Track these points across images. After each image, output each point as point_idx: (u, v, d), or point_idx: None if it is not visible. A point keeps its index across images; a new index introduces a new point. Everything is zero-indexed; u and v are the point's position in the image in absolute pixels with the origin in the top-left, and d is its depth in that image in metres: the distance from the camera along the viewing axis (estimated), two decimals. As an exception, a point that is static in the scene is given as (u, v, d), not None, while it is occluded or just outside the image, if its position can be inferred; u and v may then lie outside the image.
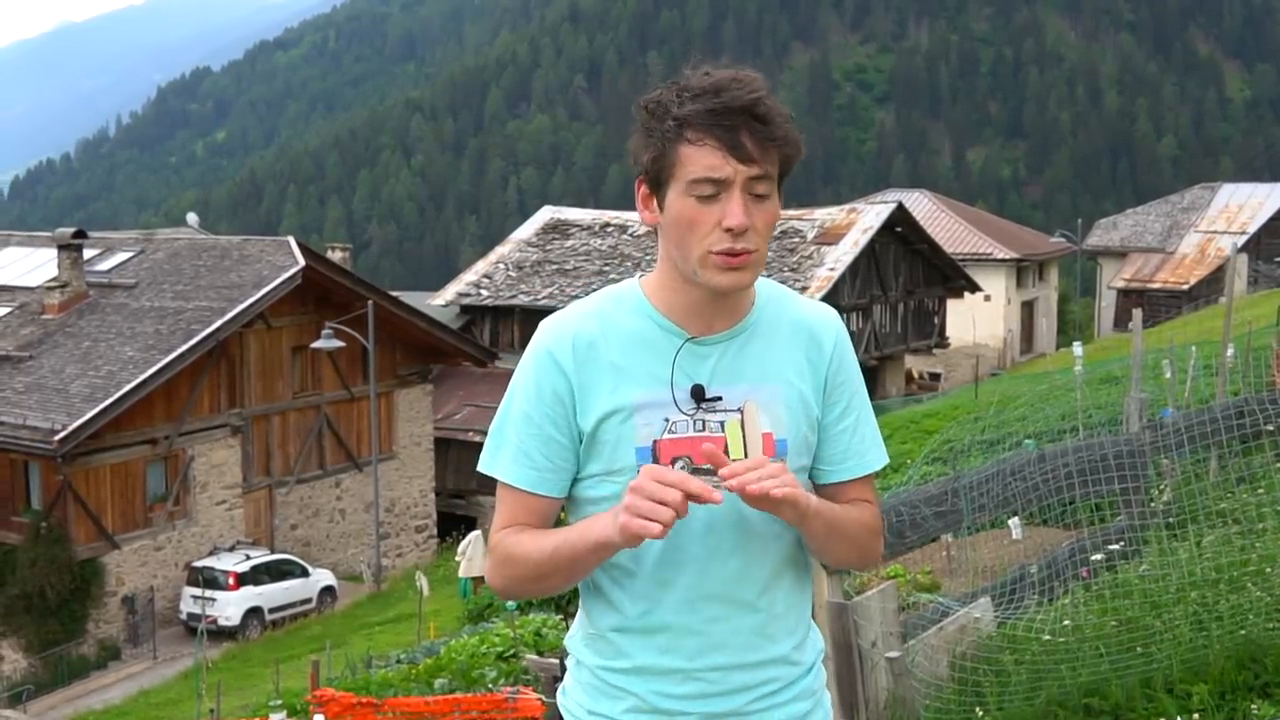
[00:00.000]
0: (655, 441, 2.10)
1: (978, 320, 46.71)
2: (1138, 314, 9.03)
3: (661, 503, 1.92)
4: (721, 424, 2.09)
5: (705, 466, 2.03)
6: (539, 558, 2.11)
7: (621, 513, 1.95)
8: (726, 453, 2.06)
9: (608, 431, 2.11)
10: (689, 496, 1.92)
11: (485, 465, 2.21)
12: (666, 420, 2.10)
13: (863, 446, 2.26)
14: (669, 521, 1.92)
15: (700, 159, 2.01)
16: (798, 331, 2.22)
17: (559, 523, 2.21)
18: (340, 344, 26.35)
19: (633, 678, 2.18)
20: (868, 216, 39.23)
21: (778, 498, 1.96)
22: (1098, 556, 6.62)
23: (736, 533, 2.13)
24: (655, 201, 2.10)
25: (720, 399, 2.11)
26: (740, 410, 2.09)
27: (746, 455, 2.05)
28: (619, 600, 2.17)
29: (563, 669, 2.44)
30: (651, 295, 2.16)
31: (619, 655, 2.18)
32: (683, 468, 2.06)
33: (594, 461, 2.14)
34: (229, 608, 25.25)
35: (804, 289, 35.63)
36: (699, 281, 2.08)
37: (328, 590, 27.40)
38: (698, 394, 2.11)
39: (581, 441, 2.14)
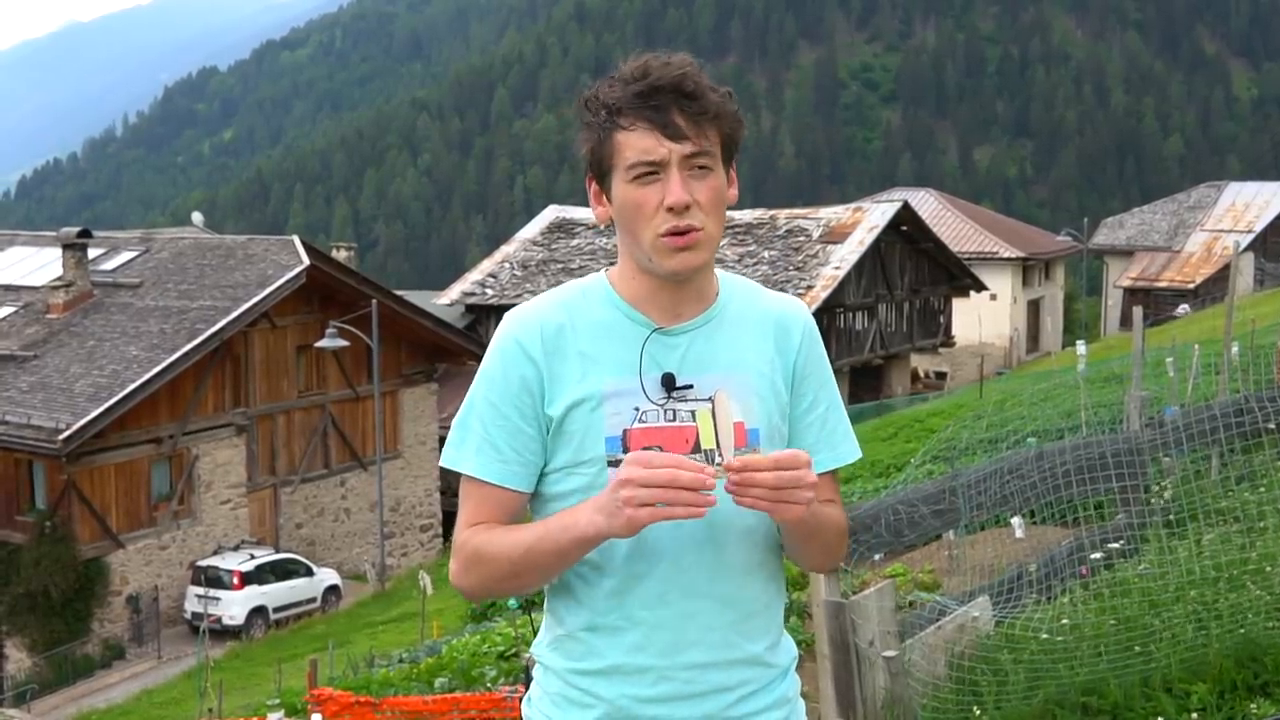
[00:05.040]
0: (625, 431, 2.06)
1: (984, 319, 46.62)
2: (1138, 311, 8.99)
3: (665, 487, 1.86)
4: (692, 413, 2.05)
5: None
6: (514, 554, 2.04)
7: (623, 506, 1.88)
8: (698, 442, 2.03)
9: (576, 420, 2.07)
10: (681, 485, 1.85)
11: (448, 459, 2.14)
12: (636, 409, 2.06)
13: (834, 438, 2.22)
14: (687, 504, 1.87)
15: (634, 143, 2.03)
16: (766, 321, 2.19)
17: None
18: (344, 343, 26.33)
19: (603, 680, 2.11)
20: (873, 215, 39.19)
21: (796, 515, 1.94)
22: (1096, 555, 6.58)
23: (708, 524, 2.06)
24: (605, 195, 2.12)
25: (691, 387, 2.08)
26: (711, 399, 2.06)
27: (718, 444, 2.01)
28: (589, 597, 2.11)
29: (528, 678, 2.36)
30: (617, 286, 2.15)
31: (590, 655, 2.11)
32: None
33: (561, 452, 2.09)
34: (233, 607, 25.28)
35: (809, 287, 35.61)
36: (652, 268, 2.08)
37: (332, 589, 27.42)
38: (668, 382, 2.08)
39: (549, 431, 2.09)
